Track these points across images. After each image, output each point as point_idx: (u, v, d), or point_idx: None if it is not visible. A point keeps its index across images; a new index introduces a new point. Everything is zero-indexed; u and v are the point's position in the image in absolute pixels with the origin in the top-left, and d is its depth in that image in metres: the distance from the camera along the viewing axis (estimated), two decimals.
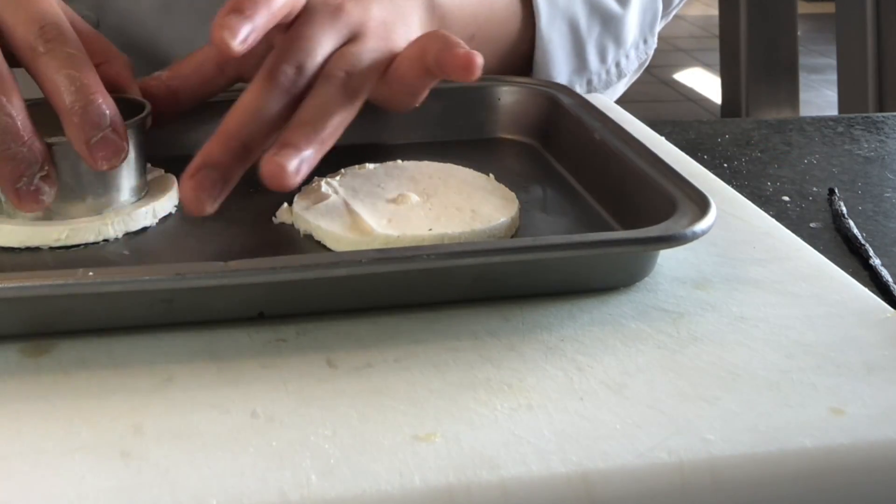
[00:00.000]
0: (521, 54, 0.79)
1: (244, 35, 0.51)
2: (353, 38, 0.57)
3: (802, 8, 3.62)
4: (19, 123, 0.52)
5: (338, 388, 0.42)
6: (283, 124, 0.53)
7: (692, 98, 3.86)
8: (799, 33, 3.34)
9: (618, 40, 0.83)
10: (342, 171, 0.59)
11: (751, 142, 0.81)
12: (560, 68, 0.79)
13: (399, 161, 0.61)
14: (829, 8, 3.01)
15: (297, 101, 0.54)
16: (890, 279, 0.58)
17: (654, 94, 3.80)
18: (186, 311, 0.46)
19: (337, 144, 0.53)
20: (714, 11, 3.61)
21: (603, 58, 0.82)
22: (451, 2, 0.69)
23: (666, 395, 0.42)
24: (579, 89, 0.82)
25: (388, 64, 0.57)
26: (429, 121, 0.67)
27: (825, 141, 0.81)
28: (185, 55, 0.81)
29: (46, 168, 0.53)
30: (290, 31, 0.56)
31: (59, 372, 0.44)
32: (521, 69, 0.80)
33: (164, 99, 0.62)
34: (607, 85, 0.84)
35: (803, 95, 3.41)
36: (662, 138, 0.71)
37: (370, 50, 0.57)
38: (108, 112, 0.53)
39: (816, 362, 0.44)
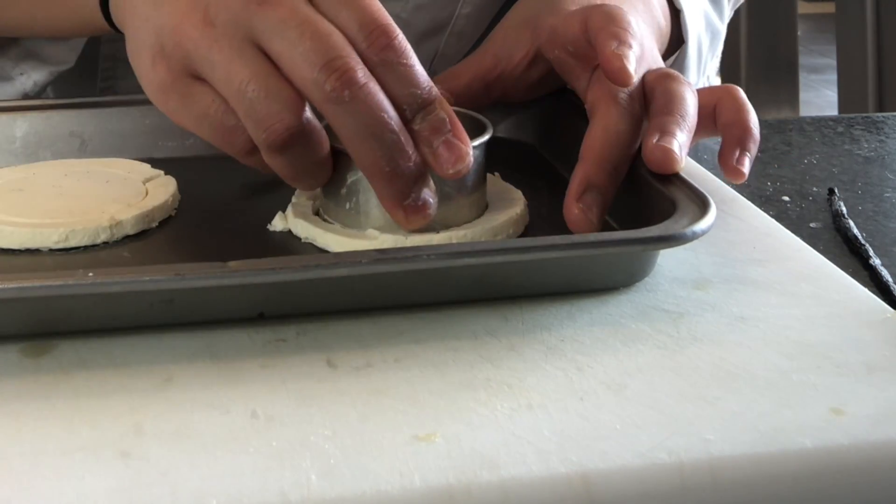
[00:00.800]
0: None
1: (633, 66, 0.55)
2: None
3: (802, 8, 3.62)
4: (402, 139, 0.49)
5: (338, 388, 0.42)
6: (634, 143, 0.56)
7: None
8: (799, 33, 3.34)
9: (714, 53, 0.84)
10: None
11: None
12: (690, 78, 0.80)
13: None
14: (829, 8, 3.00)
15: (639, 122, 0.56)
16: (890, 279, 0.58)
17: None
18: (186, 311, 0.46)
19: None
20: None
21: (704, 71, 0.83)
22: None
23: (666, 395, 0.42)
24: None
25: None
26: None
27: (825, 141, 0.81)
28: None
29: (431, 181, 0.51)
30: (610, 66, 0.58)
31: (59, 372, 0.44)
32: None
33: None
34: None
35: (803, 95, 3.41)
36: None
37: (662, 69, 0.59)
38: (447, 118, 0.51)
39: (816, 362, 0.44)
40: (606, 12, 0.59)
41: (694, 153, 0.74)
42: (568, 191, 0.53)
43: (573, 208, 0.53)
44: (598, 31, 0.57)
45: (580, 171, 0.54)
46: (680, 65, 0.77)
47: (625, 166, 0.55)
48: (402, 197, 0.50)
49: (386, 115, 0.49)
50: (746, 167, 0.55)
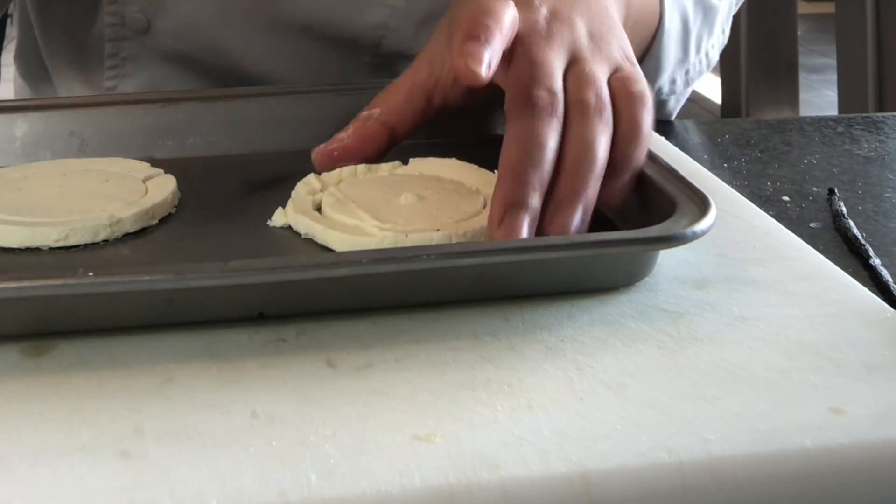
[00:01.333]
0: (647, 45, 0.78)
1: (487, 61, 0.51)
2: (574, 60, 0.56)
3: (802, 8, 3.62)
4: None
5: (338, 388, 0.42)
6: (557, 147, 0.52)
7: (692, 98, 3.85)
8: (799, 33, 3.34)
9: (711, 30, 0.82)
10: (342, 172, 0.59)
11: (751, 142, 0.81)
12: (670, 60, 0.79)
13: (398, 162, 0.61)
14: (829, 8, 3.00)
15: (560, 133, 0.53)
16: (890, 279, 0.58)
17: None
18: (186, 311, 0.46)
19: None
20: None
21: (698, 48, 0.82)
22: None
23: (666, 395, 0.42)
24: (679, 80, 0.82)
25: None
26: (429, 120, 0.67)
27: (825, 141, 0.81)
28: (242, 63, 0.81)
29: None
30: (515, 58, 0.55)
31: (59, 372, 0.44)
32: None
33: (386, 139, 0.60)
34: (699, 75, 0.84)
35: (803, 95, 3.41)
36: (662, 138, 0.71)
37: (597, 69, 0.55)
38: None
39: (816, 362, 0.44)
40: (472, 4, 0.54)
41: (694, 153, 0.74)
42: (489, 215, 0.51)
43: (494, 234, 0.50)
44: (455, 28, 0.54)
45: (496, 191, 0.51)
46: (658, 41, 0.76)
47: (551, 169, 0.51)
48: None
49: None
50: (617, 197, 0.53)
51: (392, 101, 0.61)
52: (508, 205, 0.50)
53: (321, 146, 0.60)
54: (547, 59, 0.54)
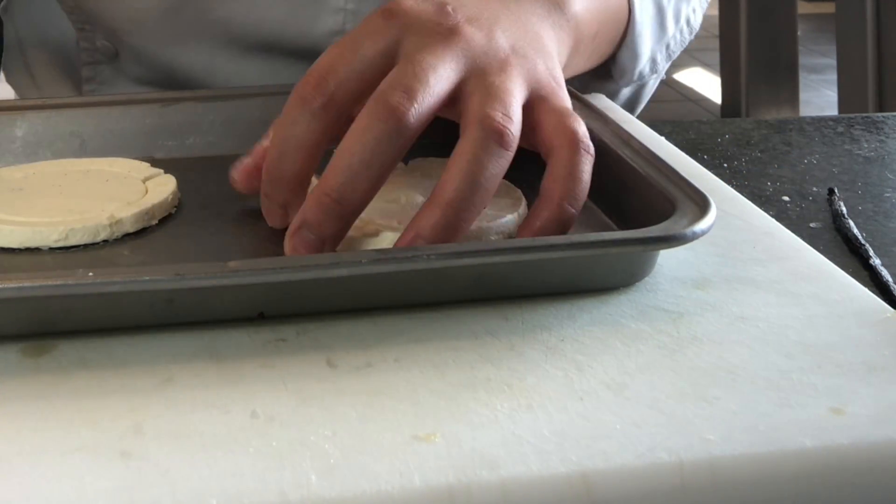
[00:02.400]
0: (622, 38, 0.77)
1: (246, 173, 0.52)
2: (476, 64, 0.51)
3: (802, 8, 3.62)
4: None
5: (338, 388, 0.42)
6: (392, 166, 0.48)
7: (692, 98, 3.86)
8: (799, 33, 3.34)
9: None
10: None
11: (751, 142, 0.81)
12: (646, 44, 0.77)
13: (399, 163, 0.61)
14: (829, 8, 3.01)
15: (406, 138, 0.48)
16: (890, 279, 0.58)
17: (654, 94, 3.80)
18: (186, 311, 0.46)
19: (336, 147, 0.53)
20: (714, 11, 3.62)
21: (677, 18, 0.80)
22: (579, 5, 0.63)
23: (666, 395, 0.42)
24: (660, 58, 0.80)
25: (527, 94, 0.52)
26: None
27: (825, 141, 0.81)
28: (203, 82, 0.81)
29: None
30: (399, 60, 0.50)
31: (59, 372, 0.44)
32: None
33: None
34: (682, 45, 0.82)
35: (803, 95, 3.41)
36: (662, 138, 0.71)
37: (510, 81, 0.51)
38: None
39: (816, 362, 0.44)
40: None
41: (694, 153, 0.74)
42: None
43: (287, 242, 0.48)
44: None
45: (306, 201, 0.48)
46: (631, 31, 0.75)
47: (363, 199, 0.48)
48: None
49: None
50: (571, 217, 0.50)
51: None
52: (302, 221, 0.48)
53: (235, 170, 0.56)
54: (424, 58, 0.50)
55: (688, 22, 0.82)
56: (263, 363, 0.44)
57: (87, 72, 0.85)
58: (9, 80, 0.96)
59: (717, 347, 0.45)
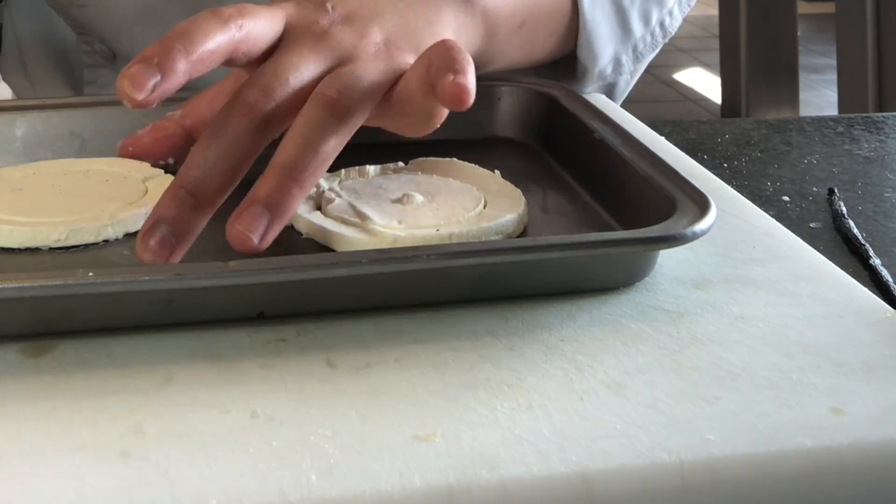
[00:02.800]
0: (573, 34, 0.77)
1: (150, 85, 0.47)
2: (342, 62, 0.52)
3: (802, 8, 3.62)
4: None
5: (338, 388, 0.42)
6: (248, 161, 0.49)
7: (692, 98, 3.86)
8: (799, 33, 3.34)
9: (661, 2, 0.81)
10: (342, 172, 0.59)
11: (751, 142, 0.81)
12: (605, 44, 0.78)
13: (399, 163, 0.61)
14: (829, 8, 3.01)
15: (262, 134, 0.49)
16: (890, 279, 0.58)
17: (654, 94, 3.80)
18: (186, 311, 0.46)
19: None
20: (714, 11, 3.62)
21: (647, 21, 0.80)
22: None
23: (666, 395, 0.42)
24: (626, 59, 0.80)
25: (389, 84, 0.52)
26: None
27: (825, 141, 0.81)
28: (194, 85, 0.81)
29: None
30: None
31: (59, 372, 0.44)
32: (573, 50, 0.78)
33: (181, 139, 0.61)
34: (653, 48, 0.82)
35: (803, 95, 3.41)
36: (662, 138, 0.71)
37: (364, 69, 0.52)
38: None
39: (816, 362, 0.44)
40: (189, 20, 0.51)
41: (694, 153, 0.74)
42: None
43: (139, 246, 0.47)
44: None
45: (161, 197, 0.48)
46: (582, 30, 0.75)
47: (218, 193, 0.48)
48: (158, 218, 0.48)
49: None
50: (470, 89, 0.48)
51: (195, 104, 0.62)
52: (157, 218, 0.47)
53: (126, 139, 0.62)
54: (288, 60, 0.51)
55: (661, 25, 0.82)
56: (263, 363, 0.44)
57: (89, 75, 0.85)
58: (5, 80, 0.96)
59: (717, 347, 0.45)
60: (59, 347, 0.45)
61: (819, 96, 3.74)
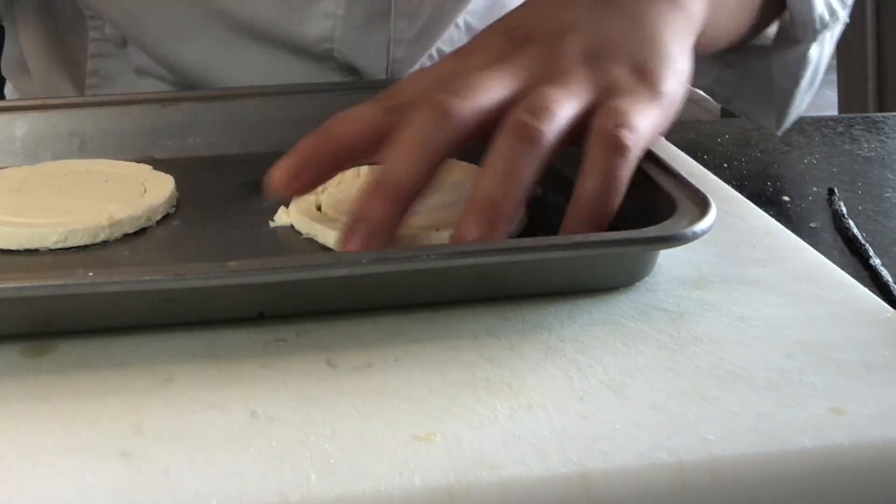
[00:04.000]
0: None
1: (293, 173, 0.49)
2: (532, 85, 0.52)
3: None
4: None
5: (338, 387, 0.42)
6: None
7: (692, 98, 3.84)
8: None
9: None
10: (342, 172, 0.59)
11: (751, 142, 0.81)
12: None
13: None
14: None
15: (454, 135, 0.49)
16: (890, 279, 0.58)
17: None
18: (186, 311, 0.46)
19: None
20: None
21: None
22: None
23: (666, 395, 0.42)
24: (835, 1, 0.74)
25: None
26: None
27: (825, 141, 0.81)
28: (203, 74, 0.82)
29: None
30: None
31: (59, 372, 0.44)
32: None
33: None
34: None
35: None
36: (662, 138, 0.71)
37: (565, 90, 0.51)
38: None
39: (816, 362, 0.44)
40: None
41: (694, 153, 0.74)
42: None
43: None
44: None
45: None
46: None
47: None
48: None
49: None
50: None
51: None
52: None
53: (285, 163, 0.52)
54: (479, 78, 0.51)
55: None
56: (263, 363, 0.44)
57: (92, 65, 0.84)
58: (5, 72, 0.96)
59: (717, 347, 0.45)
60: (59, 347, 0.45)
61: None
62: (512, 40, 0.54)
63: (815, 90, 0.78)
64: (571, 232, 0.49)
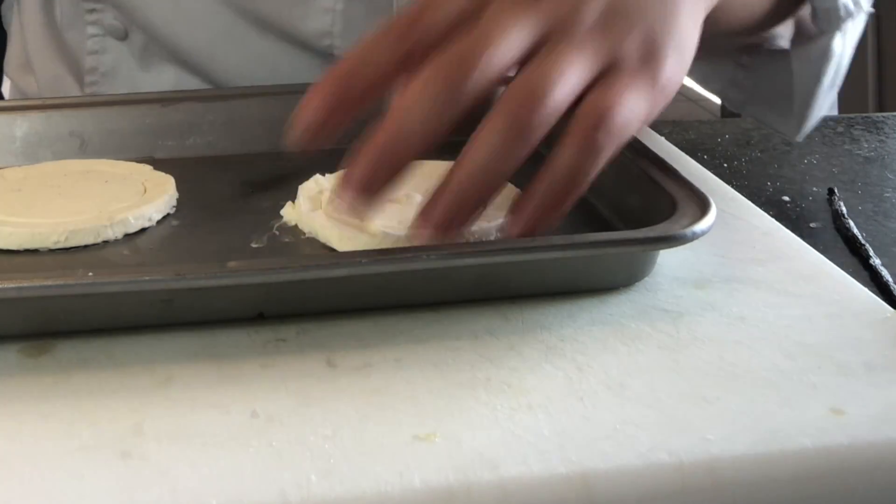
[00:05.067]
0: None
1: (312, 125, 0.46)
2: (547, 41, 0.48)
3: None
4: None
5: (338, 387, 0.42)
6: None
7: (692, 98, 3.85)
8: None
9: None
10: (342, 172, 0.59)
11: (751, 142, 0.81)
12: None
13: None
14: None
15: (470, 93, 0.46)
16: (890, 279, 0.58)
17: None
18: (186, 311, 0.46)
19: (336, 147, 0.53)
20: None
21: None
22: None
23: (666, 395, 0.42)
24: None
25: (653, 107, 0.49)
26: None
27: (825, 141, 0.81)
28: (207, 64, 0.82)
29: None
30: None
31: (59, 372, 0.44)
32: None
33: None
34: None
35: None
36: (662, 138, 0.71)
37: (575, 58, 0.48)
38: None
39: (816, 362, 0.44)
40: None
41: (694, 153, 0.74)
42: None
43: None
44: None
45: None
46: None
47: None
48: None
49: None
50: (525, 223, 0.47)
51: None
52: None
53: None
54: (558, 63, 0.47)
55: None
56: (263, 363, 0.44)
57: (91, 62, 0.84)
58: (8, 72, 0.96)
59: (717, 347, 0.45)
60: (59, 347, 0.45)
61: None
62: None
63: (836, 91, 0.76)
64: (522, 212, 0.47)
